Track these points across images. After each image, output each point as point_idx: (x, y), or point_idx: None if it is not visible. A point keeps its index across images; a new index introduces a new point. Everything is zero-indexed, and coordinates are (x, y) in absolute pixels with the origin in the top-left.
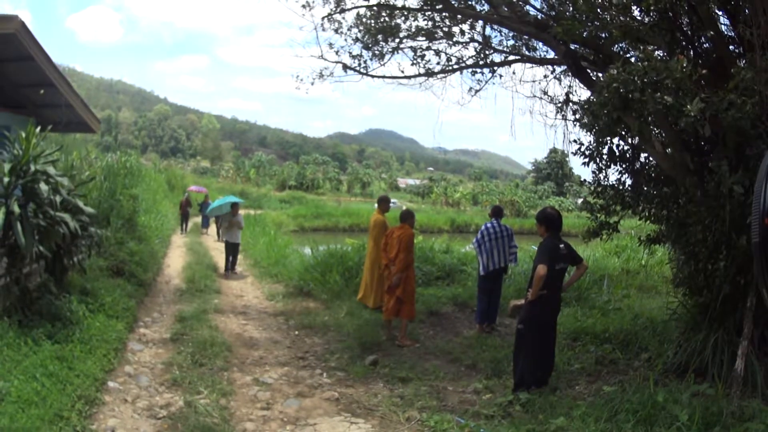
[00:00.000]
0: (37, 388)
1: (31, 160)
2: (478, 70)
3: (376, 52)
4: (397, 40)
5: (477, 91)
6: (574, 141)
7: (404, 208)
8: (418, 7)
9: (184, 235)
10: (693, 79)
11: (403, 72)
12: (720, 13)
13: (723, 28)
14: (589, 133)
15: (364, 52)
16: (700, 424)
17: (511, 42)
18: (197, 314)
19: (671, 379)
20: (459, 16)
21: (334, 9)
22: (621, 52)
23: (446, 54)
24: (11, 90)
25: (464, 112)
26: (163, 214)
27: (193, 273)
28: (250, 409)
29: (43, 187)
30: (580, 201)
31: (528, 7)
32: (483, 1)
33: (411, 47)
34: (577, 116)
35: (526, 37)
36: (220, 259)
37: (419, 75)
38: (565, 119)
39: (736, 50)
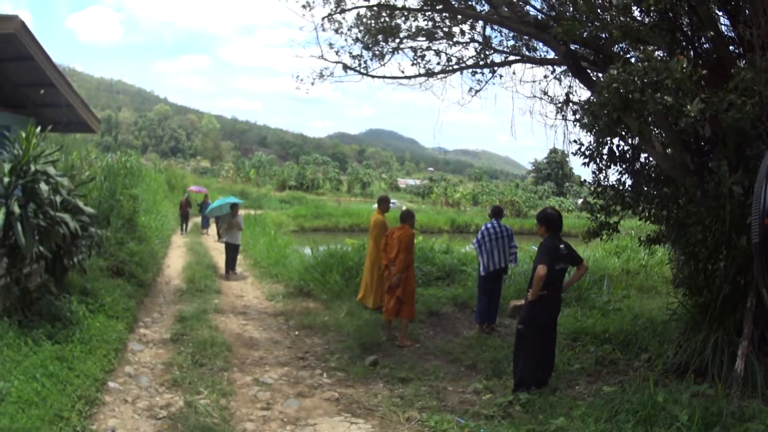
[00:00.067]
0: (37, 389)
1: (32, 160)
2: (479, 70)
3: (377, 53)
4: (397, 41)
5: (477, 92)
6: (574, 141)
7: (404, 208)
8: (418, 7)
9: (184, 236)
10: (693, 80)
11: (403, 72)
12: (720, 13)
13: (723, 28)
14: (589, 134)
15: (365, 53)
16: (700, 424)
17: (511, 42)
18: (197, 314)
19: (671, 379)
20: (459, 17)
21: (334, 9)
22: (621, 53)
23: (446, 54)
24: (11, 90)
25: (464, 113)
26: (163, 215)
27: (193, 273)
28: (250, 409)
29: (44, 187)
30: (580, 201)
31: (528, 7)
32: (483, 2)
33: (411, 47)
34: (577, 116)
35: (527, 37)
36: (220, 259)
37: (419, 75)
38: (565, 119)
39: (736, 51)
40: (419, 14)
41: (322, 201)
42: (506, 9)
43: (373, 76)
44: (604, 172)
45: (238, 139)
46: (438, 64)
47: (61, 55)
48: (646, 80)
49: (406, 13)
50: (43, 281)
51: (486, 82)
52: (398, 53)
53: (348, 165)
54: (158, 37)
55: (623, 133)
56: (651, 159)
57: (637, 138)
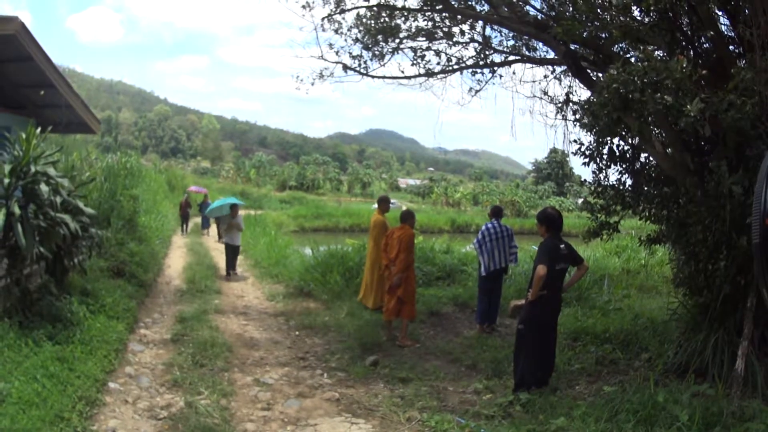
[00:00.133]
0: (37, 389)
1: (32, 161)
2: (478, 70)
3: (376, 53)
4: (397, 41)
5: (477, 92)
6: (575, 141)
7: (404, 208)
8: (418, 7)
9: (185, 236)
10: (693, 80)
11: (403, 72)
12: (720, 13)
13: (723, 28)
14: (589, 133)
15: (364, 53)
16: (701, 424)
17: (511, 42)
18: (198, 315)
19: (671, 379)
20: (459, 17)
21: (334, 9)
22: (621, 53)
23: (446, 54)
24: (11, 91)
25: (464, 112)
26: (163, 215)
27: (193, 274)
28: (250, 409)
29: (44, 188)
30: (580, 201)
31: (528, 7)
32: (483, 2)
33: (411, 47)
34: (578, 116)
35: (526, 37)
36: (220, 260)
37: (419, 75)
38: (565, 119)
39: (736, 50)
40: (419, 14)
41: (322, 201)
42: (506, 9)
43: (373, 77)
44: (604, 171)
45: (239, 140)
46: (438, 64)
47: (61, 55)
48: (646, 80)
49: (405, 14)
50: (44, 282)
51: (486, 82)
52: (398, 53)
53: (348, 165)
54: (158, 38)
55: (623, 133)
56: (651, 159)
57: (637, 138)
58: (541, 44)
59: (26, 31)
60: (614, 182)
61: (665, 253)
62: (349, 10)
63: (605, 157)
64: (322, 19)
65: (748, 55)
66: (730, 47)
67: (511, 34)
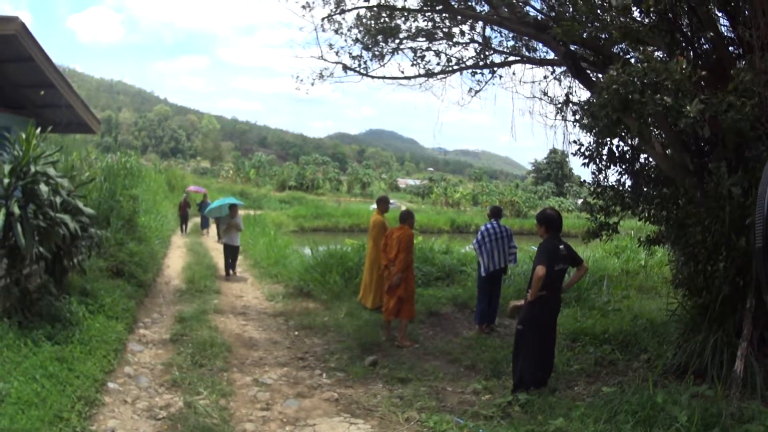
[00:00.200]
0: (37, 390)
1: (32, 161)
2: (478, 70)
3: (376, 53)
4: (397, 41)
5: (477, 92)
6: (574, 142)
7: (403, 208)
8: (418, 7)
9: (184, 236)
10: (692, 81)
11: (403, 73)
12: (720, 14)
13: (723, 29)
14: (588, 134)
15: (364, 53)
16: (700, 425)
17: (511, 43)
18: (197, 315)
19: (670, 380)
20: (459, 17)
21: (334, 10)
22: (621, 54)
23: (446, 55)
24: (11, 91)
25: (464, 113)
26: (163, 215)
27: (192, 274)
28: (249, 409)
29: (43, 188)
30: (580, 201)
31: (528, 8)
32: (483, 2)
33: (411, 48)
34: (577, 117)
35: (526, 38)
36: (220, 260)
37: (419, 76)
38: (565, 120)
39: (736, 51)
40: (419, 15)
41: (321, 201)
42: (506, 9)
43: (372, 77)
44: (603, 172)
45: (238, 140)
46: (438, 64)
47: (61, 55)
48: (645, 81)
49: (405, 14)
50: (43, 282)
51: (486, 83)
52: (398, 54)
53: (348, 165)
54: (158, 38)
55: (623, 133)
56: (650, 159)
57: (636, 139)
58: (540, 45)
59: (26, 31)
60: (614, 183)
61: (665, 253)
62: (349, 10)
63: (605, 157)
64: (322, 19)
65: (748, 57)
66: (730, 48)
67: (510, 35)
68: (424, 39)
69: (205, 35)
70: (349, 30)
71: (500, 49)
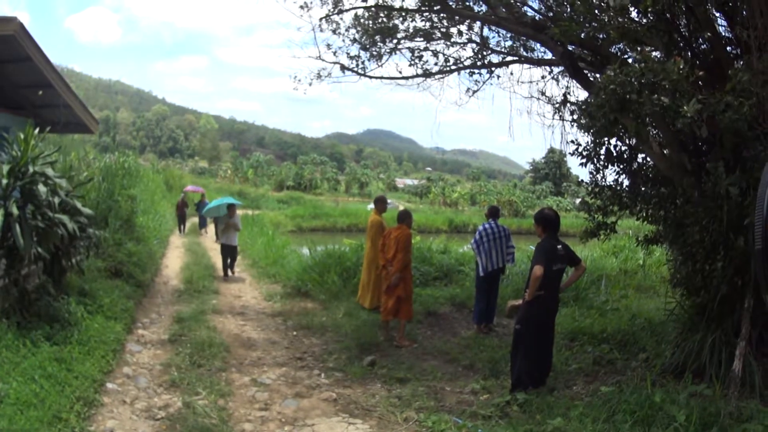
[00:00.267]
0: (35, 390)
1: (30, 161)
2: (476, 70)
3: (374, 53)
4: (394, 41)
5: (475, 92)
6: (572, 141)
7: (401, 208)
8: (415, 8)
9: (182, 236)
10: (690, 81)
11: (400, 73)
12: (717, 14)
13: (720, 29)
14: (586, 134)
15: (362, 53)
16: (698, 424)
17: (508, 43)
18: (195, 315)
19: (669, 379)
20: (457, 17)
21: (331, 10)
22: (618, 54)
23: (444, 55)
24: (10, 91)
25: (462, 113)
26: (161, 215)
27: (191, 274)
28: (248, 409)
29: (42, 188)
30: (578, 201)
31: (525, 8)
32: (480, 2)
33: (409, 48)
34: (575, 117)
35: (524, 38)
36: (218, 260)
37: (417, 76)
38: (563, 120)
39: (734, 52)
40: (417, 15)
41: (320, 201)
42: (504, 10)
43: (370, 77)
44: (601, 172)
45: (236, 140)
46: (435, 64)
47: (59, 55)
48: (643, 81)
49: (403, 14)
50: (42, 282)
51: (483, 83)
52: (396, 54)
53: (346, 165)
54: (157, 38)
55: (620, 133)
56: (648, 159)
57: (634, 139)
58: (538, 45)
59: (25, 32)
60: (611, 183)
61: (663, 253)
62: (347, 10)
63: (602, 157)
64: (320, 19)
65: (746, 57)
66: (728, 48)
67: (508, 35)
68: (421, 39)
69: (204, 35)
70: (346, 30)
71: (498, 49)
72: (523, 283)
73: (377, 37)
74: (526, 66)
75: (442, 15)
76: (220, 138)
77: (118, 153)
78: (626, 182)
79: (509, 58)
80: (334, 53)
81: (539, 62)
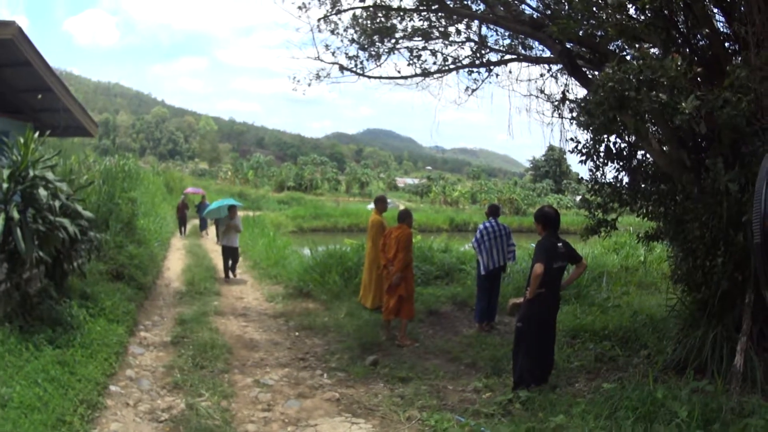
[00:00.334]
0: (39, 393)
1: (30, 165)
2: (475, 69)
3: (373, 53)
4: (393, 41)
5: (474, 91)
6: (571, 139)
7: (401, 207)
8: (413, 7)
9: (183, 238)
10: (688, 77)
11: (399, 72)
12: (715, 10)
13: (718, 25)
14: (585, 132)
15: (361, 53)
16: (700, 420)
17: (507, 41)
18: (197, 317)
19: (671, 375)
20: (455, 16)
21: (330, 10)
22: (617, 51)
23: (442, 54)
24: (9, 95)
25: (461, 111)
26: (162, 217)
27: (192, 276)
28: (251, 410)
29: (42, 192)
30: (578, 198)
31: (523, 6)
32: (478, 1)
33: (407, 47)
34: (574, 114)
35: (522, 36)
36: (219, 261)
37: (416, 75)
38: (562, 117)
39: (732, 48)
40: (415, 14)
41: (320, 201)
42: (501, 8)
43: (369, 77)
44: (601, 169)
45: (236, 141)
46: (434, 63)
47: (58, 59)
48: (641, 78)
49: (401, 14)
50: (44, 286)
51: (482, 81)
52: (394, 53)
53: (346, 165)
54: (155, 40)
55: (620, 130)
56: (648, 156)
57: (633, 136)
58: (536, 43)
59: (23, 36)
60: (611, 180)
61: (664, 249)
62: (345, 10)
63: (602, 154)
64: (318, 20)
65: (744, 53)
66: (726, 44)
67: (506, 33)
68: (420, 38)
69: (203, 36)
70: (345, 30)
71: (496, 47)
72: (524, 281)
73: (375, 37)
74: (524, 64)
75: (440, 14)
76: (219, 139)
77: (118, 156)
78: (626, 179)
79: (508, 57)
80: (333, 54)
81: (538, 60)
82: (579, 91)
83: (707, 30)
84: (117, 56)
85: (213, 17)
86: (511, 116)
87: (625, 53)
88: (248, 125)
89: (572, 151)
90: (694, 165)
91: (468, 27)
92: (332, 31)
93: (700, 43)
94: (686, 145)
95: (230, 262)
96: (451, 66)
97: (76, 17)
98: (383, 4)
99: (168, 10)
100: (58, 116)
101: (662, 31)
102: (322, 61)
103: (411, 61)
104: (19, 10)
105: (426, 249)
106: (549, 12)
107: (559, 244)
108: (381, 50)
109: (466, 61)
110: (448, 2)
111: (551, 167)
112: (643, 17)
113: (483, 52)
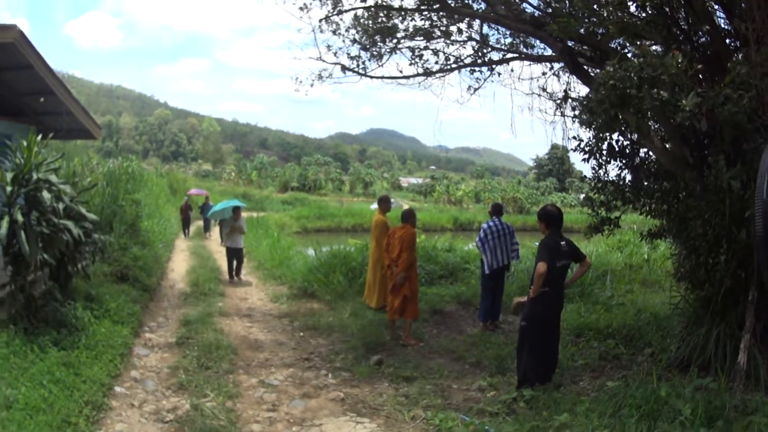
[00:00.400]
0: (44, 395)
1: (33, 168)
2: (477, 68)
3: (374, 53)
4: (394, 41)
5: (476, 90)
6: (574, 137)
7: (405, 207)
8: (415, 7)
9: (187, 240)
10: (689, 74)
11: (401, 72)
12: (716, 7)
13: (719, 22)
14: (588, 130)
15: (362, 53)
16: (704, 418)
17: (508, 40)
18: (202, 318)
19: (674, 373)
20: (456, 16)
21: (331, 11)
22: (618, 49)
23: (444, 53)
24: (11, 98)
25: (464, 111)
26: (165, 219)
27: (197, 277)
28: (256, 410)
29: (46, 195)
30: (582, 196)
31: (525, 5)
32: (480, 0)
33: (409, 47)
34: (576, 113)
35: (524, 35)
36: (223, 262)
37: (418, 75)
38: (564, 116)
39: (732, 44)
40: (416, 14)
41: (324, 202)
42: (503, 7)
43: (371, 77)
44: (603, 167)
45: (240, 142)
46: (436, 63)
47: (60, 61)
48: (642, 76)
49: (403, 14)
50: (48, 288)
51: (484, 80)
52: (396, 53)
53: (350, 165)
54: (157, 41)
55: (622, 128)
56: (650, 154)
57: (635, 133)
58: (538, 42)
59: (25, 39)
60: (614, 178)
61: (667, 247)
62: (346, 11)
63: (604, 153)
64: (320, 20)
65: (744, 49)
66: (727, 41)
67: (508, 32)
68: (421, 38)
69: (204, 38)
70: (346, 30)
71: (498, 46)
72: (528, 280)
73: (377, 37)
74: (526, 63)
75: (441, 14)
76: (222, 140)
77: (122, 158)
78: (629, 177)
79: (509, 55)
80: (335, 54)
81: (539, 59)
82: (581, 89)
83: (708, 27)
84: (119, 58)
85: (214, 18)
86: (514, 115)
87: (626, 51)
88: (251, 126)
89: (575, 150)
90: (697, 162)
91: (469, 26)
92: (334, 32)
93: (701, 40)
94: (688, 142)
95: (235, 264)
96: (453, 65)
97: (77, 20)
98: (384, 4)
99: (169, 12)
100: (60, 119)
101: (663, 28)
102: (324, 61)
103: (413, 61)
104: (20, 13)
105: (430, 248)
106: (550, 10)
107: (563, 243)
108: (383, 50)
109: (468, 61)
110: (450, 2)
111: (555, 166)
112: (643, 15)
113: (485, 51)
